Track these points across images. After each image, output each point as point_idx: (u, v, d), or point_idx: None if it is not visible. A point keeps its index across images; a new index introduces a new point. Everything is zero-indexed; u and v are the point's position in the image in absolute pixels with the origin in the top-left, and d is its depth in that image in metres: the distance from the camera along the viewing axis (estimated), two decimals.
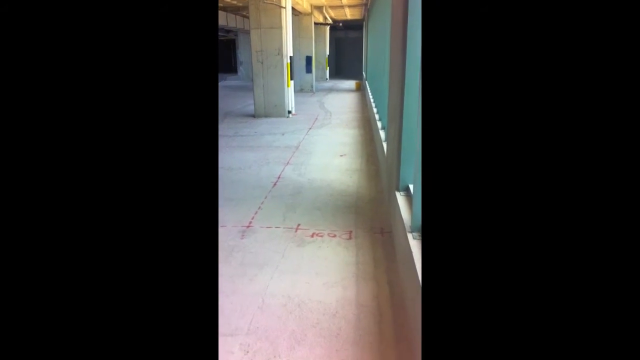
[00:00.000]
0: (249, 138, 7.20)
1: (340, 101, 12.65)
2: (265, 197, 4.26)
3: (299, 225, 3.56)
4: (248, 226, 3.55)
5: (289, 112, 9.59)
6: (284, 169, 5.30)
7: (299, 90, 15.24)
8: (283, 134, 7.54)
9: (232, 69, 24.31)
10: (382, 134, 5.29)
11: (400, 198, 2.97)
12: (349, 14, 17.52)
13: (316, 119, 9.29)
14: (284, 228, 3.50)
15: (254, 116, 9.59)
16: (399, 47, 2.97)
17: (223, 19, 15.98)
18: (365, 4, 14.02)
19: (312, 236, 3.33)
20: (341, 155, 5.95)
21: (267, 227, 3.51)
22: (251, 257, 2.98)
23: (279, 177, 4.93)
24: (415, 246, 2.14)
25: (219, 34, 19.17)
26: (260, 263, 2.89)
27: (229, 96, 13.83)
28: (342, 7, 15.16)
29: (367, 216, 3.74)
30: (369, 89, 11.27)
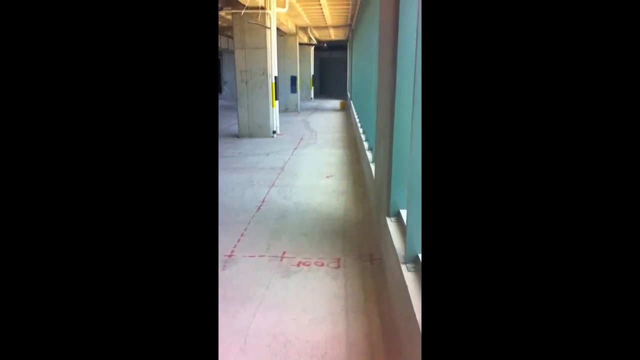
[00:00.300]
0: (233, 159, 7.02)
1: (325, 120, 12.61)
2: (249, 223, 4.06)
3: (284, 253, 3.36)
4: (230, 255, 3.34)
5: (274, 132, 9.46)
6: (268, 191, 5.12)
7: (284, 110, 15.18)
8: (268, 155, 7.38)
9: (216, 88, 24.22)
10: (369, 155, 5.18)
11: (391, 224, 2.82)
12: (333, 35, 17.72)
13: (301, 138, 9.18)
14: (268, 257, 3.30)
15: (238, 136, 9.43)
16: (388, 68, 2.88)
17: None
18: (350, 25, 14.19)
19: (298, 265, 3.14)
20: (327, 177, 5.81)
21: (251, 256, 3.31)
22: (233, 290, 2.77)
23: (263, 201, 4.74)
24: (411, 280, 1.98)
25: None
26: (243, 297, 2.68)
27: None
28: (326, 27, 15.31)
29: (355, 242, 3.57)
30: (353, 108, 11.27)
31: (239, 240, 3.63)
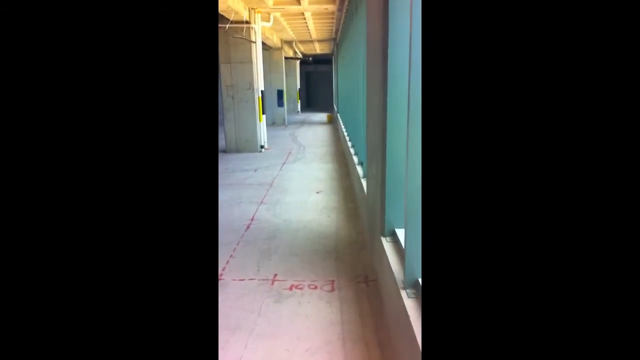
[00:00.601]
0: (220, 175, 6.86)
1: (313, 134, 12.55)
2: (238, 243, 3.91)
3: (275, 275, 3.22)
4: (218, 279, 3.18)
5: (262, 146, 9.35)
6: (257, 208, 4.98)
7: (271, 124, 15.09)
8: (256, 170, 7.25)
9: None
10: (359, 169, 5.10)
11: (386, 245, 2.72)
12: (318, 49, 17.80)
13: (290, 153, 9.07)
14: (259, 280, 3.15)
15: (225, 151, 9.28)
16: (378, 81, 2.80)
17: None
18: (334, 39, 14.27)
19: (290, 289, 3.00)
20: (317, 192, 5.70)
21: (240, 280, 3.16)
22: (222, 318, 2.61)
23: (252, 219, 4.60)
24: (412, 308, 1.86)
25: None
26: (233, 326, 2.52)
27: None
28: (311, 42, 15.37)
29: (349, 262, 3.45)
30: (341, 121, 11.24)
31: (227, 263, 3.48)
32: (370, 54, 3.35)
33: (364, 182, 4.38)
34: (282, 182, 6.34)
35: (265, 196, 5.55)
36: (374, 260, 3.22)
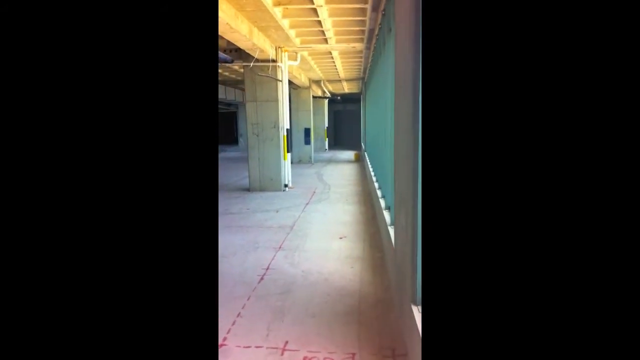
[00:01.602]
0: (239, 216, 6.55)
1: (339, 173, 12.22)
2: (249, 298, 3.49)
3: (286, 343, 2.76)
4: (221, 345, 2.75)
5: (285, 185, 9.06)
6: (274, 256, 4.58)
7: (297, 162, 14.95)
8: (277, 211, 6.91)
9: (232, 140, 24.49)
10: (386, 215, 4.65)
11: (418, 315, 2.24)
12: (346, 88, 17.84)
13: (314, 192, 8.73)
14: (267, 348, 2.70)
15: (248, 190, 9.05)
16: (407, 122, 2.43)
17: (223, 93, 16.17)
18: (362, 78, 14.21)
19: None
20: (340, 238, 5.26)
21: (246, 347, 2.72)
22: None
23: (267, 268, 4.19)
24: None
25: (220, 106, 19.46)
26: None
27: (227, 168, 13.39)
28: (339, 81, 15.39)
29: (373, 328, 2.95)
30: (368, 160, 10.88)
31: (234, 323, 3.05)
32: (398, 92, 3.00)
33: (391, 231, 3.93)
34: (303, 225, 5.95)
35: (284, 241, 5.15)
36: (403, 330, 2.72)
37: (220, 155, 18.56)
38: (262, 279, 3.92)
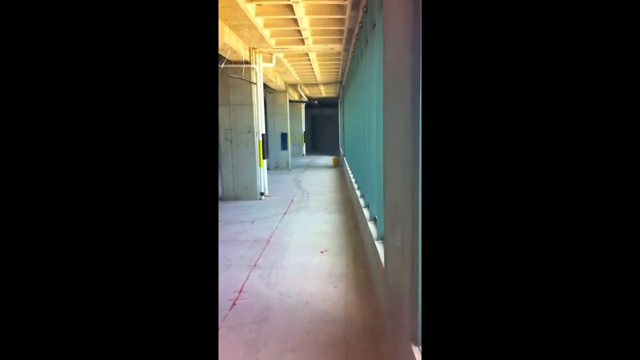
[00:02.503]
0: None
1: (318, 179, 11.82)
2: (218, 330, 3.02)
3: None
4: None
5: (262, 193, 8.58)
6: (248, 275, 4.11)
7: (274, 168, 14.48)
8: (253, 222, 6.43)
9: None
10: (371, 227, 4.26)
11: (418, 356, 1.84)
12: (324, 92, 17.52)
13: (292, 200, 8.29)
14: None
15: (222, 199, 8.52)
16: (404, 125, 2.04)
17: None
18: (340, 82, 13.91)
19: None
20: (321, 252, 4.84)
21: None
22: None
23: (240, 291, 3.72)
24: None
25: None
26: None
27: None
28: (316, 84, 15.04)
29: None
30: (347, 166, 10.53)
31: None
32: (389, 92, 2.62)
33: (378, 247, 3.53)
34: (281, 238, 5.49)
35: (259, 257, 4.69)
36: None
37: None
38: (234, 304, 3.45)
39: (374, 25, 4.20)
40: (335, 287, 3.77)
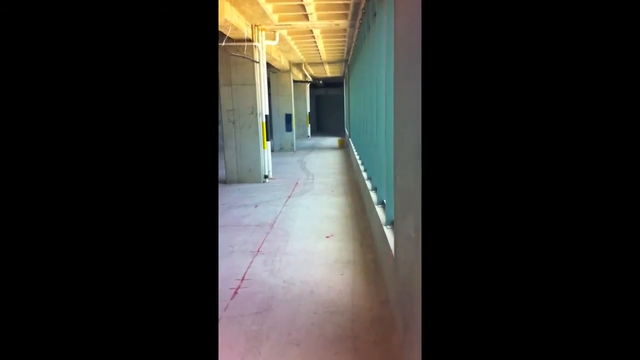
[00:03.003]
0: None
1: (323, 160, 11.62)
2: (219, 320, 2.88)
3: None
4: None
5: (266, 176, 8.40)
6: (251, 262, 3.96)
7: (278, 149, 14.27)
8: (256, 206, 6.27)
9: None
10: (379, 211, 4.07)
11: None
12: (328, 72, 17.12)
13: (297, 183, 8.11)
14: None
15: (225, 182, 8.36)
16: (419, 103, 1.81)
17: None
18: (345, 60, 13.52)
19: None
20: (327, 237, 4.67)
21: None
22: None
23: (242, 279, 3.57)
24: None
25: None
26: None
27: None
28: (321, 64, 14.66)
29: (373, 358, 2.39)
30: (353, 146, 10.29)
31: None
32: (401, 66, 2.38)
33: (387, 232, 3.35)
34: (285, 222, 5.33)
35: (263, 243, 4.54)
36: (410, 356, 2.15)
37: None
38: (235, 293, 3.30)
39: None
40: (342, 274, 3.61)
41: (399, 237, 2.53)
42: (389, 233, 3.31)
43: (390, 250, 3.02)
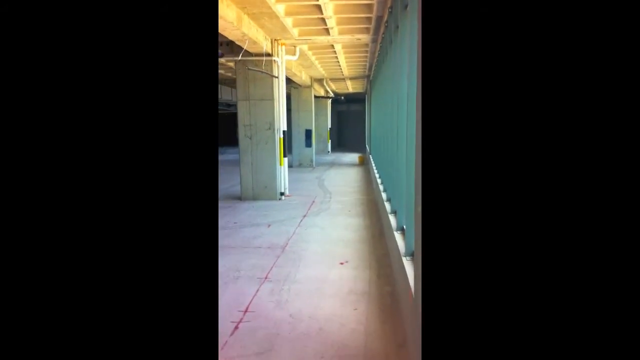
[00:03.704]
0: (224, 233, 5.62)
1: (342, 178, 11.31)
2: None
3: None
4: None
5: (282, 193, 8.15)
6: (257, 290, 3.65)
7: (297, 165, 14.06)
8: (269, 226, 5.99)
9: (232, 141, 23.72)
10: (398, 238, 3.71)
11: None
12: (350, 87, 16.94)
13: (313, 202, 7.81)
14: None
15: (240, 199, 8.14)
16: None
17: (222, 93, 15.30)
18: (367, 76, 13.30)
19: None
20: (341, 263, 4.33)
21: None
22: None
23: (246, 311, 3.26)
24: None
25: (220, 107, 18.58)
26: None
27: (224, 172, 12.41)
28: (343, 79, 14.49)
29: None
30: (374, 164, 9.95)
31: None
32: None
33: (407, 265, 2.99)
34: (298, 245, 5.02)
35: (272, 268, 4.23)
36: None
37: (221, 157, 17.63)
38: (236, 327, 2.99)
39: (406, 6, 3.64)
40: (355, 309, 3.26)
41: (420, 272, 2.17)
42: (408, 266, 2.95)
43: (410, 286, 2.66)
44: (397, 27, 4.19)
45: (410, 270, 2.86)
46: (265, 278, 3.94)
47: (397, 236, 3.80)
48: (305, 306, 3.30)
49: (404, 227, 3.71)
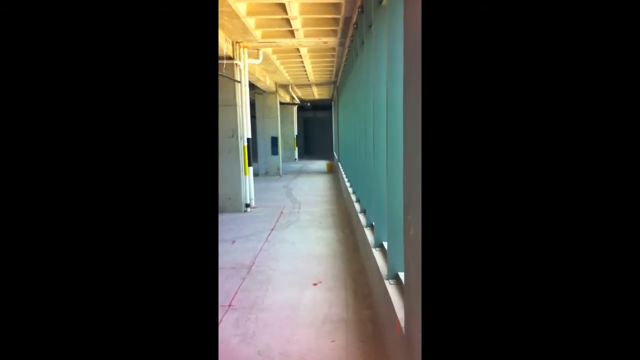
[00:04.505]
0: None
1: (310, 186, 10.93)
2: None
3: None
4: None
5: (247, 205, 7.66)
6: (220, 322, 3.18)
7: (264, 174, 13.57)
8: (234, 242, 5.50)
9: None
10: (377, 256, 3.35)
11: None
12: (317, 94, 16.67)
13: (281, 213, 7.38)
14: None
15: None
16: None
17: None
18: (334, 82, 13.05)
19: None
20: (315, 284, 3.93)
21: None
22: None
23: None
24: None
25: None
26: None
27: None
28: (309, 85, 14.18)
29: None
30: (343, 173, 9.64)
31: None
32: (412, 83, 1.73)
33: (391, 291, 2.63)
34: (266, 263, 4.58)
35: (237, 292, 3.76)
36: None
37: None
38: None
39: (381, 2, 3.33)
40: (333, 340, 2.86)
41: (411, 303, 1.81)
42: (392, 292, 2.59)
43: (396, 314, 2.30)
44: (370, 26, 3.88)
45: (395, 297, 2.50)
46: (229, 306, 3.47)
47: (376, 253, 3.44)
48: (275, 340, 2.87)
49: (383, 243, 3.37)
